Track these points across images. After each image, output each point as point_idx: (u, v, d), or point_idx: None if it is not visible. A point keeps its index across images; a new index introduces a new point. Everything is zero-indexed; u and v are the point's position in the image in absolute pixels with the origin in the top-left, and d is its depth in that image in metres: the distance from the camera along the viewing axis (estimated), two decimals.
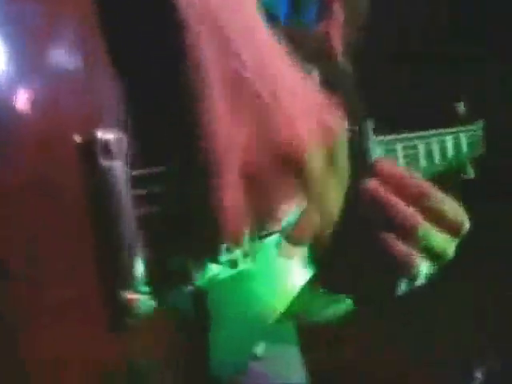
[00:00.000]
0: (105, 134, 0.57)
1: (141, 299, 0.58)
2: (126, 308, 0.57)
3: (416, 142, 1.06)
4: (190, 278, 0.63)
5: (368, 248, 0.81)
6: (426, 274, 0.82)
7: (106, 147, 0.56)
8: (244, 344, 0.77)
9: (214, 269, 0.65)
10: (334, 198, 0.74)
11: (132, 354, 0.60)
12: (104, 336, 0.57)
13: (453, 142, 1.23)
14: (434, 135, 1.14)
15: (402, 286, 0.81)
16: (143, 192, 0.60)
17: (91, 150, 0.56)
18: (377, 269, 0.81)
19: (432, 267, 0.83)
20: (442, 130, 1.21)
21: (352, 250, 0.82)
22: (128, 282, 0.57)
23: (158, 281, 0.60)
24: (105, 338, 0.57)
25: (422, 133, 1.09)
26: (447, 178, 1.11)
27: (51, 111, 0.54)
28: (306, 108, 0.67)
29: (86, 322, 0.55)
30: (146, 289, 0.58)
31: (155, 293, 0.59)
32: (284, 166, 0.65)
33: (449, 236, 0.83)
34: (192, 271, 0.63)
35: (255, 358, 0.80)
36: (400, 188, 0.81)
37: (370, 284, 0.83)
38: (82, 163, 0.55)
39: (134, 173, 0.59)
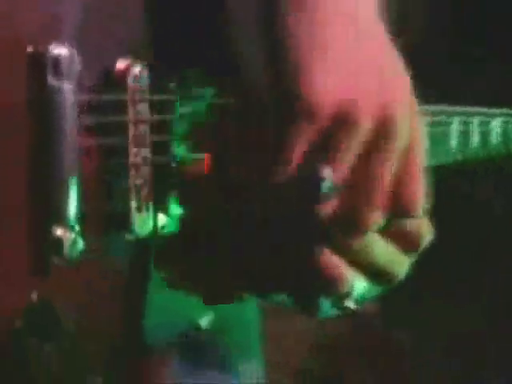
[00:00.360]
0: (57, 49, 0.53)
1: (72, 238, 0.54)
2: (55, 245, 0.54)
3: (449, 118, 0.88)
4: (129, 224, 0.58)
5: (287, 255, 0.62)
6: (363, 295, 0.64)
7: (56, 63, 0.52)
8: (184, 311, 0.69)
9: (160, 220, 0.61)
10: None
11: (51, 302, 0.56)
12: (22, 274, 0.54)
13: (501, 127, 1.01)
14: (476, 114, 0.96)
15: (327, 307, 0.64)
16: (91, 121, 0.56)
17: (40, 65, 0.52)
18: (293, 281, 0.63)
19: (374, 288, 0.65)
20: (489, 110, 1.01)
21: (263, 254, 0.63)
22: (60, 216, 0.54)
23: (93, 222, 0.56)
24: (23, 277, 0.54)
25: (459, 108, 0.92)
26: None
27: (5, 18, 0.51)
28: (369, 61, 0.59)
29: (7, 257, 0.53)
30: (79, 228, 0.55)
31: (89, 235, 0.56)
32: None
33: (401, 251, 0.64)
34: (133, 217, 0.58)
35: (199, 329, 0.73)
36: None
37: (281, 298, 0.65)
38: (29, 78, 0.52)
39: (84, 99, 0.56)
